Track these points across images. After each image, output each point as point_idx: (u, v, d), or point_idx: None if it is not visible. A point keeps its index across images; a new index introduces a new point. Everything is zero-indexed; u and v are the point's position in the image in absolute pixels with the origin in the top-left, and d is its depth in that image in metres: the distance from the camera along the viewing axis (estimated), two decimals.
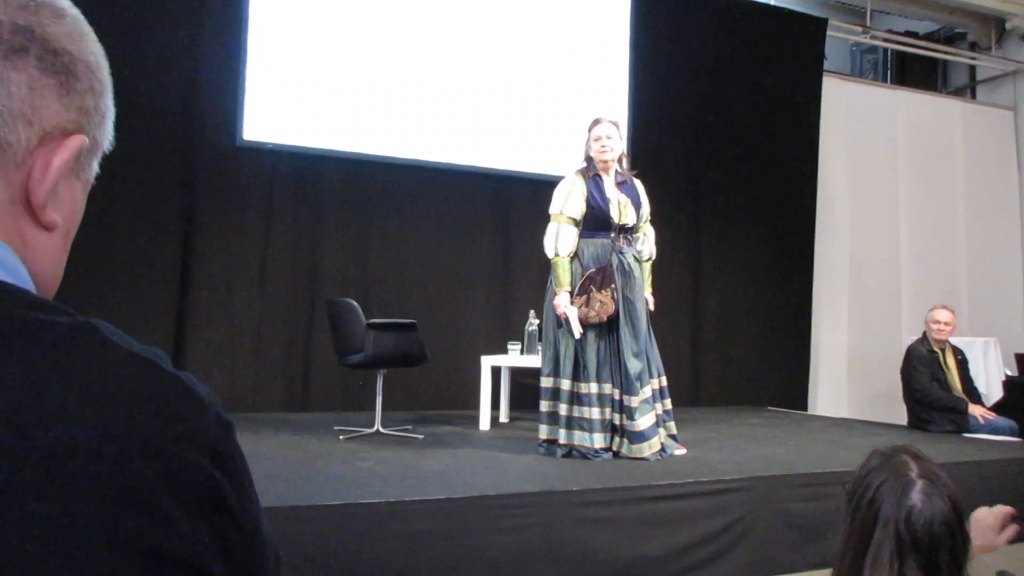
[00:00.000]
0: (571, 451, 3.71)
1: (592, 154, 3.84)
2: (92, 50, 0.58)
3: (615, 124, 3.87)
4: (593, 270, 3.74)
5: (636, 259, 3.88)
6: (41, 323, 0.47)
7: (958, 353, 5.34)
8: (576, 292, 3.73)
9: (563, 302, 3.72)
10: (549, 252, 3.81)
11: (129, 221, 4.87)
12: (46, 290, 0.56)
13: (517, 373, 5.41)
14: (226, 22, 5.17)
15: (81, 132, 0.56)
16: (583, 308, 3.68)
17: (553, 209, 3.84)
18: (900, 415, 5.54)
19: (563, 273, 3.76)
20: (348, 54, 5.42)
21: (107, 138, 0.60)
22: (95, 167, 0.60)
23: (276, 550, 0.55)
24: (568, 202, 3.79)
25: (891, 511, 1.29)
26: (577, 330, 3.68)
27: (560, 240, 3.79)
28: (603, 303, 3.67)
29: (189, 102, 5.12)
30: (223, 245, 5.18)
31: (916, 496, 1.29)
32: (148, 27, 4.95)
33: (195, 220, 5.13)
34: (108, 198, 4.69)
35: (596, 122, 3.88)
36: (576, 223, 3.79)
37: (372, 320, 4.18)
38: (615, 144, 3.82)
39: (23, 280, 0.52)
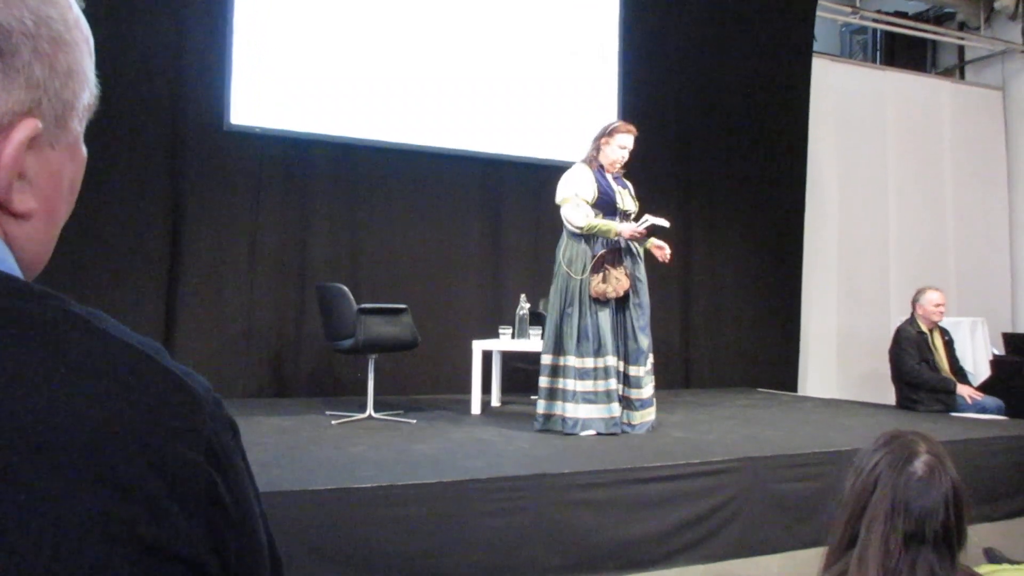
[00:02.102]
0: (563, 421, 3.89)
1: (608, 154, 4.04)
2: (29, 6, 0.49)
3: (635, 135, 4.11)
4: (605, 251, 3.96)
5: (639, 244, 4.12)
6: (34, 313, 0.46)
7: (945, 334, 5.38)
8: (592, 270, 3.93)
9: (624, 228, 3.92)
10: (580, 224, 3.94)
11: (118, 207, 4.84)
12: (32, 274, 0.54)
13: (508, 357, 5.42)
14: (213, 5, 5.12)
15: (34, 111, 0.50)
16: (601, 284, 3.90)
17: (567, 193, 4.02)
18: (889, 396, 5.59)
19: (602, 222, 3.93)
20: (337, 37, 5.37)
21: (85, 90, 0.54)
22: (76, 126, 0.55)
23: (276, 553, 0.53)
24: (581, 186, 4.00)
25: (891, 475, 1.30)
26: (661, 222, 3.90)
27: (579, 213, 3.96)
28: (619, 279, 3.92)
29: (176, 86, 5.07)
30: (212, 230, 5.15)
31: (919, 464, 1.31)
32: (134, 10, 4.90)
33: (183, 205, 5.09)
34: (96, 184, 4.65)
35: (626, 131, 4.06)
36: (588, 205, 3.99)
37: (363, 305, 4.18)
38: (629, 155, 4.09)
39: (11, 268, 0.51)
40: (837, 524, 1.37)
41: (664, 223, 3.95)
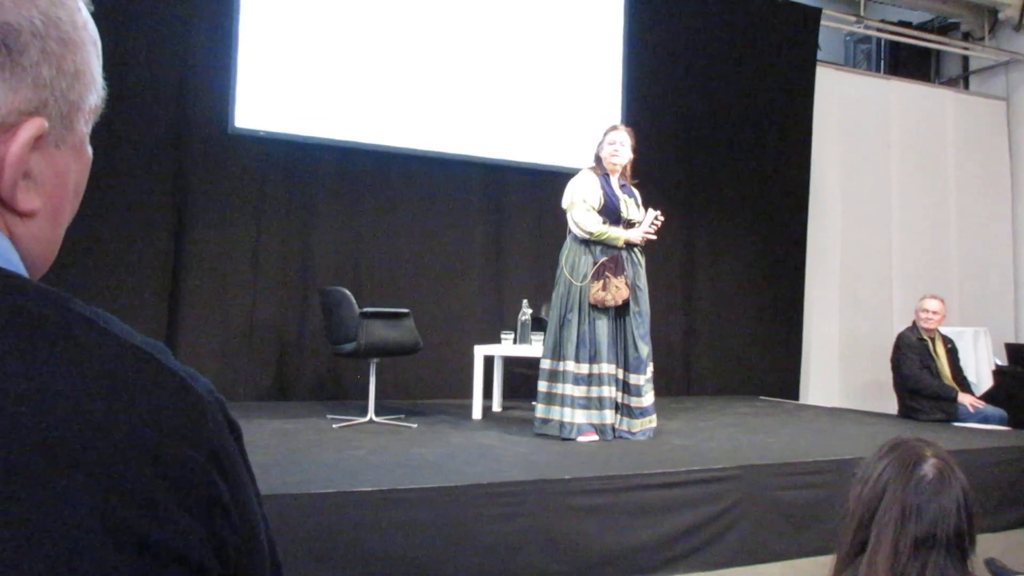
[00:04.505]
0: (561, 426, 3.91)
1: (603, 155, 4.10)
2: (38, 6, 0.49)
3: (629, 133, 4.15)
4: (606, 258, 3.98)
5: (641, 252, 4.13)
6: (38, 312, 0.46)
7: (948, 342, 5.36)
8: (592, 277, 3.95)
9: (633, 235, 4.00)
10: (591, 229, 3.98)
11: (121, 209, 4.85)
12: (37, 273, 0.54)
13: (510, 362, 5.42)
14: (218, 8, 5.13)
15: (42, 110, 0.50)
16: (600, 292, 3.92)
17: (574, 198, 4.06)
18: (891, 405, 5.57)
19: (611, 230, 3.98)
20: (341, 41, 5.39)
21: (91, 91, 0.54)
22: (82, 127, 0.55)
23: (277, 556, 0.53)
24: (587, 192, 4.04)
25: (900, 481, 1.29)
26: (644, 231, 4.02)
27: (591, 219, 4.00)
28: (618, 288, 3.93)
29: (181, 89, 5.08)
30: (215, 233, 5.16)
31: (928, 468, 1.30)
32: (139, 14, 4.91)
33: (187, 208, 5.10)
34: (100, 187, 4.65)
35: (613, 128, 4.19)
36: (594, 211, 4.03)
37: (365, 309, 4.18)
38: (626, 152, 4.11)
39: (16, 267, 0.51)
40: (845, 532, 1.35)
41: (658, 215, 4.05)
